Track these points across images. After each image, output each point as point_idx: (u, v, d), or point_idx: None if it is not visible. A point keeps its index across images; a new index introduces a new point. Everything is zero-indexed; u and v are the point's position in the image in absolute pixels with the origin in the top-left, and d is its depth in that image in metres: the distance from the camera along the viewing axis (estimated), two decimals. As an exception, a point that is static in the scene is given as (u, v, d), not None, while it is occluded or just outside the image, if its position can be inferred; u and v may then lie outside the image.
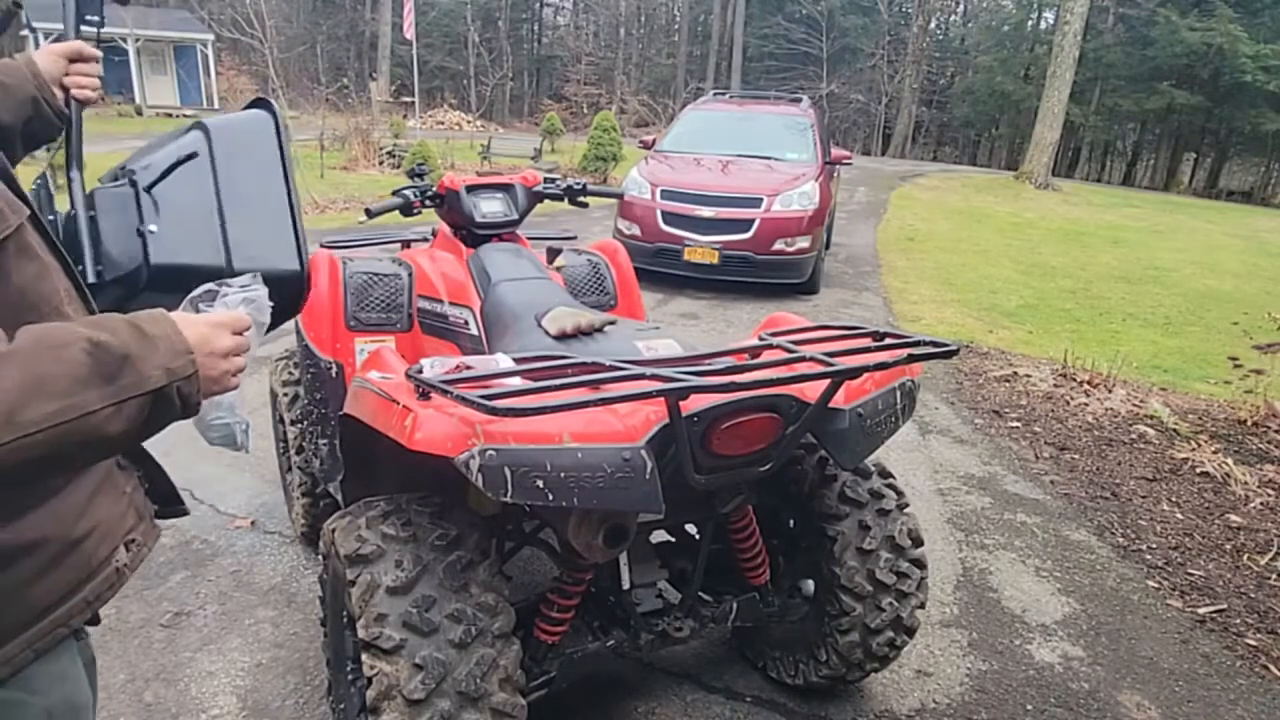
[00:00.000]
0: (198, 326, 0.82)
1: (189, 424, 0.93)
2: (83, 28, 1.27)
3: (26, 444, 0.65)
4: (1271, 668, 2.35)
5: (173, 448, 3.30)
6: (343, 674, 1.68)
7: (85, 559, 0.84)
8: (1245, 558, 2.95)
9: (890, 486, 1.91)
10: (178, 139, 1.22)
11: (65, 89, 1.24)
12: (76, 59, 1.25)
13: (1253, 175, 30.45)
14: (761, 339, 1.56)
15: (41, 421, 0.66)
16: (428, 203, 2.30)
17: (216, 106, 26.84)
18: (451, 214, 2.27)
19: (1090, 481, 3.56)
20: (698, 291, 6.54)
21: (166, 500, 1.04)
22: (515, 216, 2.29)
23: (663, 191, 6.60)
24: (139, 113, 21.46)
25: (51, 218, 1.08)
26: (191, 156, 1.15)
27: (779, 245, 6.32)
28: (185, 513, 1.07)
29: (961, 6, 37.66)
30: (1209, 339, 6.38)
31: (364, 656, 1.39)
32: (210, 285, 0.94)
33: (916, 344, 1.48)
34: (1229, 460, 3.68)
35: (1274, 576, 2.83)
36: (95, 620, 0.90)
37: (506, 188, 2.32)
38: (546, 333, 1.82)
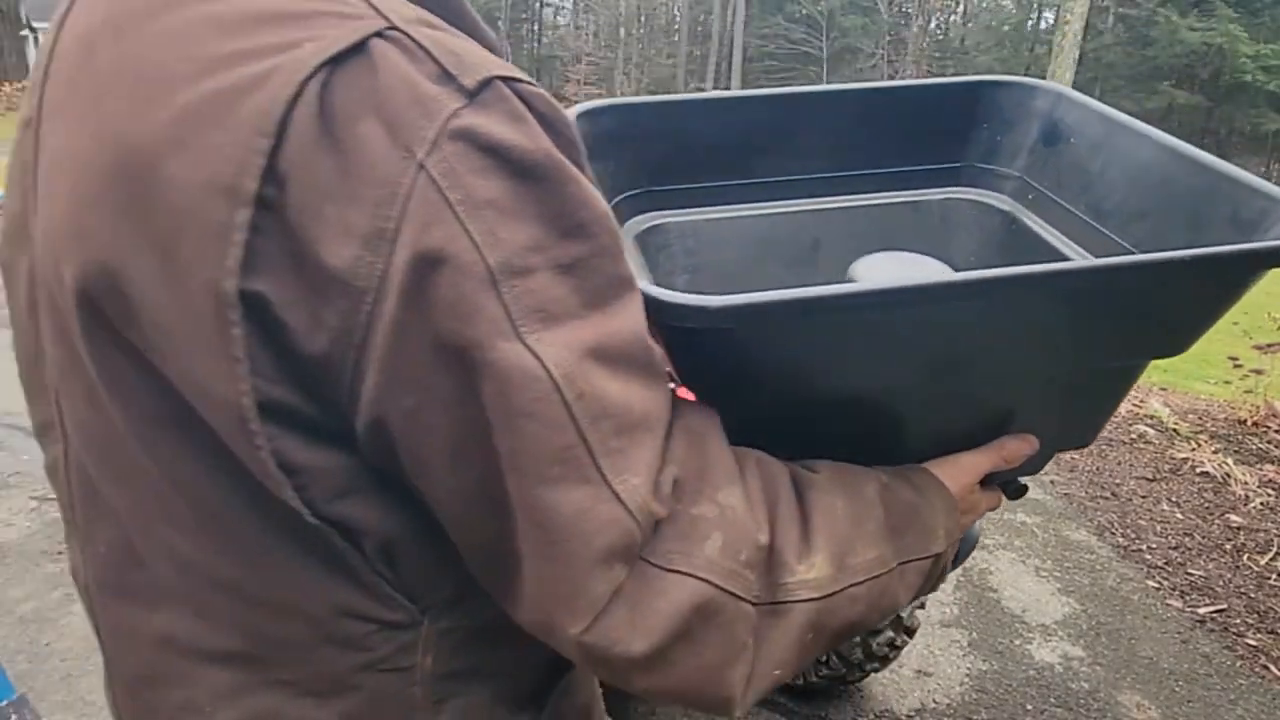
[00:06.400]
0: (958, 476, 0.60)
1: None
2: None
3: (848, 597, 0.50)
4: (1271, 668, 2.35)
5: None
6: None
7: None
8: (1245, 558, 2.96)
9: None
10: None
11: None
12: None
13: (1253, 175, 30.46)
14: None
15: (862, 571, 0.50)
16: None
17: (216, 106, 26.87)
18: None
19: (1090, 481, 3.56)
20: (698, 291, 6.54)
21: None
22: None
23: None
24: (139, 113, 21.42)
25: None
26: None
27: (779, 245, 6.31)
28: None
29: (961, 6, 37.68)
30: (1208, 339, 6.32)
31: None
32: None
33: None
34: (1229, 460, 3.68)
35: (1274, 576, 2.83)
36: None
37: None
38: None
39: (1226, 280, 0.60)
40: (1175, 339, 0.65)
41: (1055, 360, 0.62)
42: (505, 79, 0.38)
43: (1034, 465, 0.68)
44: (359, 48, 0.36)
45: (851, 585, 0.49)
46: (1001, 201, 0.87)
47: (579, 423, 0.38)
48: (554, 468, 0.38)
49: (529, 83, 0.39)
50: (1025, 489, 0.69)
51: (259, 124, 0.35)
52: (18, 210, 0.47)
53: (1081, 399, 0.68)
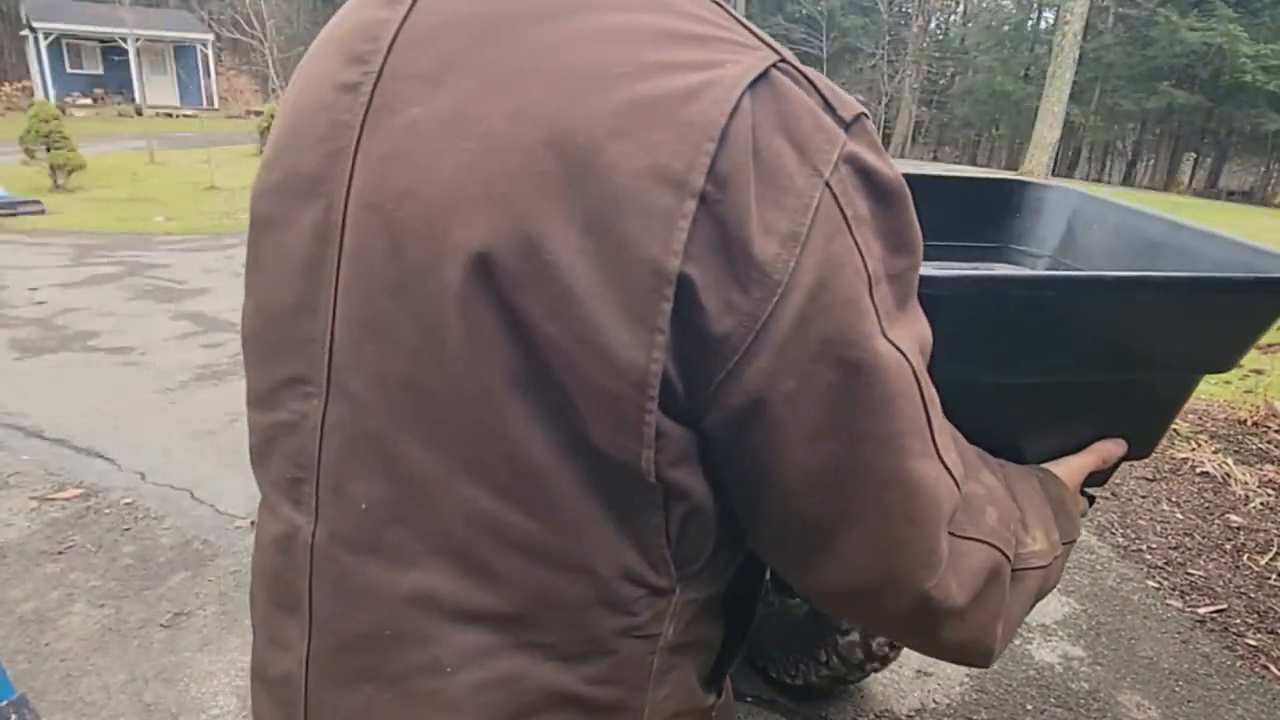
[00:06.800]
0: (1072, 475, 0.71)
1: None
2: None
3: (1054, 569, 0.60)
4: (1271, 668, 2.35)
5: (173, 448, 3.32)
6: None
7: None
8: (1245, 558, 2.95)
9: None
10: None
11: None
12: None
13: (1253, 175, 30.46)
14: None
15: (1058, 547, 0.61)
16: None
17: (216, 106, 26.86)
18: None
19: (1090, 481, 3.56)
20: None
21: None
22: None
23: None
24: (139, 112, 21.48)
25: None
26: None
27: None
28: None
29: (961, 6, 37.67)
30: (1209, 339, 6.38)
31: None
32: None
33: None
34: (1229, 460, 3.68)
35: (1274, 576, 2.83)
36: None
37: None
38: None
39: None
40: (1227, 353, 0.75)
41: (1150, 366, 0.73)
42: (864, 115, 0.45)
43: (1102, 477, 0.78)
44: (765, 75, 0.42)
45: (1055, 559, 0.60)
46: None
47: (926, 405, 0.46)
48: (916, 442, 0.46)
49: (870, 118, 0.46)
50: (1094, 499, 0.77)
51: (706, 129, 0.40)
52: (305, 165, 0.49)
53: (1149, 410, 0.79)
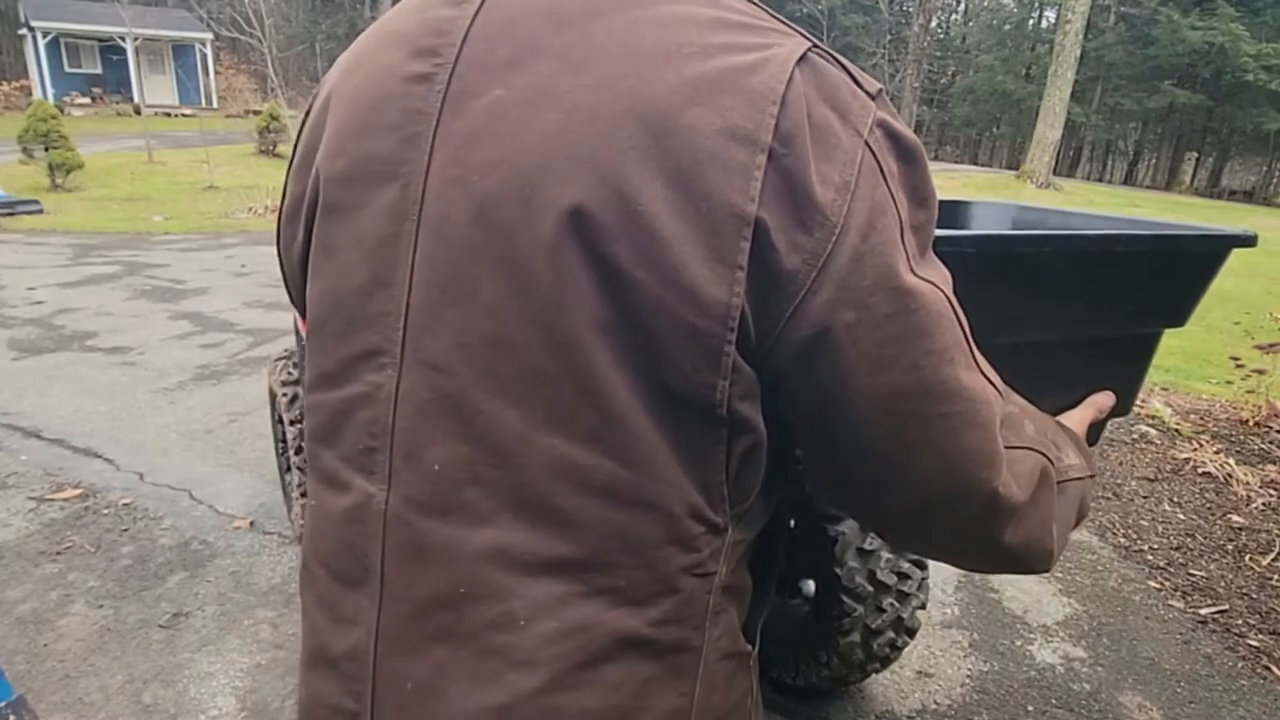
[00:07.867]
0: (1076, 427, 0.77)
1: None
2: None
3: (1090, 484, 0.67)
4: (1273, 669, 2.35)
5: (171, 448, 3.31)
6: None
7: None
8: (1247, 558, 2.95)
9: (891, 487, 1.90)
10: None
11: None
12: None
13: (1254, 174, 30.44)
14: None
15: (1073, 470, 0.66)
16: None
17: (215, 106, 26.85)
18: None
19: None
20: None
21: None
22: None
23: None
24: (138, 111, 21.46)
25: None
26: None
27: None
28: None
29: (962, 5, 37.65)
30: (1210, 339, 6.37)
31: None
32: None
33: None
34: (1231, 460, 3.67)
35: (1276, 577, 2.82)
36: None
37: None
38: None
39: (1216, 256, 0.84)
40: (1181, 307, 0.85)
41: (1108, 322, 0.82)
42: (883, 90, 0.52)
43: (1095, 436, 0.84)
44: (804, 56, 0.49)
45: (1090, 474, 0.67)
46: None
47: (963, 326, 0.52)
48: (962, 356, 0.52)
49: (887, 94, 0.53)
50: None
51: (768, 95, 0.46)
52: (377, 151, 0.52)
53: (1123, 365, 0.87)
